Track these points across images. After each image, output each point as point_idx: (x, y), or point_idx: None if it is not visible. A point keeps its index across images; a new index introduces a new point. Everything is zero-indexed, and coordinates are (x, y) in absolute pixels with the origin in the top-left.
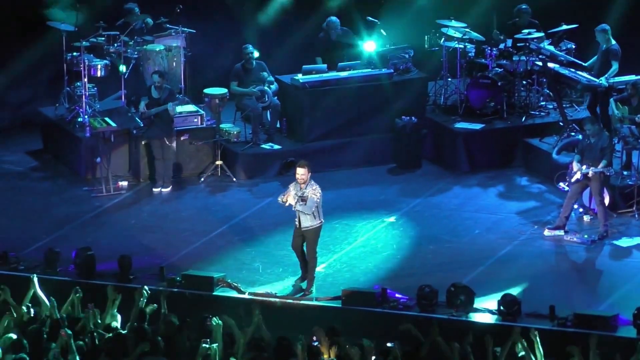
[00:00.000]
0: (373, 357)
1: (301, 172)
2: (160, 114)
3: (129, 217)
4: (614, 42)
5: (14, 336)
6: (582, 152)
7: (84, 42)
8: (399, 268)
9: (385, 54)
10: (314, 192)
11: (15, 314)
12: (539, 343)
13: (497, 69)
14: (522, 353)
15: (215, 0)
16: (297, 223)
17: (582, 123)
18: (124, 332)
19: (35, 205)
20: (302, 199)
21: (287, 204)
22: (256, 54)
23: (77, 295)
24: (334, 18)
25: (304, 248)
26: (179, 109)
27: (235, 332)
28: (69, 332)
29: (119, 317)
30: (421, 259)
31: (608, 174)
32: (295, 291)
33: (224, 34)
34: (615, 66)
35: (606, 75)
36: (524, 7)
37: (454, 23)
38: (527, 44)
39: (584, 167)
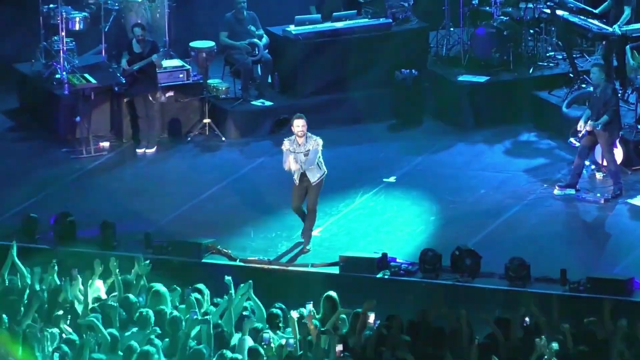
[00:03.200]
0: (376, 323)
1: (300, 124)
2: (144, 69)
3: (111, 180)
4: None
5: None
6: (592, 106)
7: None
8: (400, 231)
9: (384, 2)
10: (315, 143)
11: None
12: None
13: (502, 17)
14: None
15: None
16: (296, 181)
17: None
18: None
19: (10, 168)
20: (306, 154)
21: (293, 171)
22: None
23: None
24: None
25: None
26: (164, 63)
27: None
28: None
29: (101, 288)
30: (423, 221)
31: (593, 129)
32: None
33: None
34: (627, 11)
35: (619, 23)
36: None
37: None
38: None
39: (584, 121)
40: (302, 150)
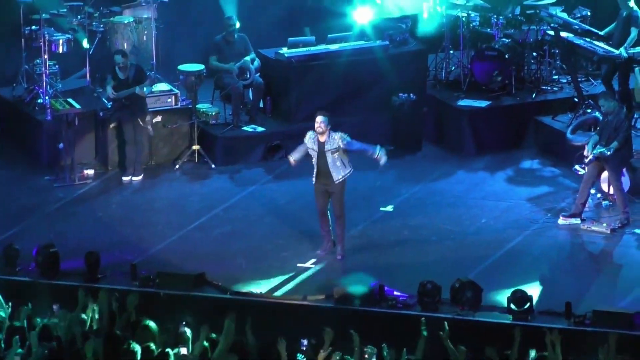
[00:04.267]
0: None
1: (319, 120)
2: (130, 95)
3: (96, 209)
4: (635, 7)
5: None
6: (601, 131)
7: (43, 15)
8: (398, 262)
9: (380, 24)
10: (342, 137)
11: None
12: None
13: (504, 39)
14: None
15: None
16: (315, 180)
17: (596, 99)
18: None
19: None
20: (333, 151)
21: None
22: (237, 25)
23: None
24: None
25: (328, 204)
26: (152, 87)
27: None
28: None
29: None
30: (422, 252)
31: (600, 155)
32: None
33: (199, 2)
34: (634, 33)
35: (625, 45)
36: None
37: None
38: (538, 12)
39: (591, 146)
40: (329, 148)
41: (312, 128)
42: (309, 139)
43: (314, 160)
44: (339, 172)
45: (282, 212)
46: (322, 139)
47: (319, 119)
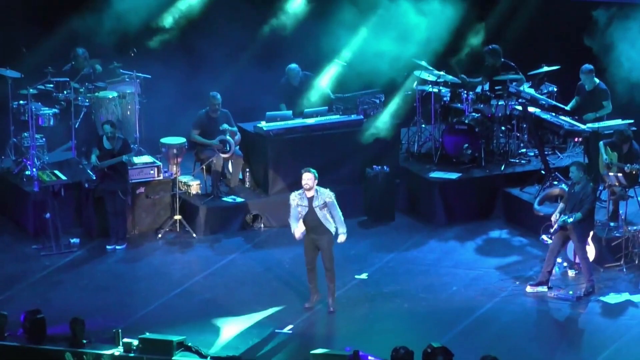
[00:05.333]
0: None
1: (307, 177)
2: (114, 166)
3: (81, 276)
4: (599, 81)
5: None
6: (567, 201)
7: (31, 90)
8: (372, 328)
9: (355, 99)
10: (328, 196)
11: None
12: None
13: (474, 114)
14: None
15: (171, 43)
16: (305, 235)
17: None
18: None
19: None
20: (321, 207)
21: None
22: (220, 102)
23: None
24: (293, 65)
25: (316, 258)
26: (135, 159)
27: None
28: None
29: None
30: (395, 318)
31: (563, 224)
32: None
33: (181, 79)
34: (608, 106)
35: (598, 114)
36: (491, 47)
37: (428, 66)
38: (506, 87)
39: (557, 216)
40: (316, 204)
41: (288, 199)
42: (295, 197)
43: (303, 217)
44: (330, 224)
45: (261, 280)
46: (310, 194)
47: (307, 175)
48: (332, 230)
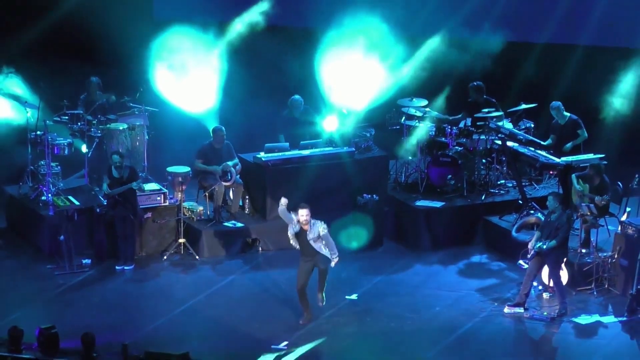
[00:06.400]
0: None
1: (304, 213)
2: (124, 193)
3: (92, 295)
4: (569, 114)
5: None
6: (543, 228)
7: (47, 121)
8: (361, 345)
9: (347, 133)
10: (322, 227)
11: None
12: None
13: (457, 147)
14: None
15: (178, 78)
16: (301, 257)
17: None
18: None
19: None
20: (315, 240)
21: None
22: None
23: None
24: (297, 97)
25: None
26: (143, 186)
27: None
28: None
29: None
30: (383, 336)
31: (539, 250)
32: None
33: (186, 112)
34: (583, 134)
35: (576, 142)
36: (476, 84)
37: (414, 102)
38: (487, 123)
39: (534, 242)
40: (310, 237)
41: (287, 226)
42: (292, 226)
43: (299, 244)
44: (325, 252)
45: (258, 299)
46: (305, 227)
47: (304, 212)
48: (327, 255)
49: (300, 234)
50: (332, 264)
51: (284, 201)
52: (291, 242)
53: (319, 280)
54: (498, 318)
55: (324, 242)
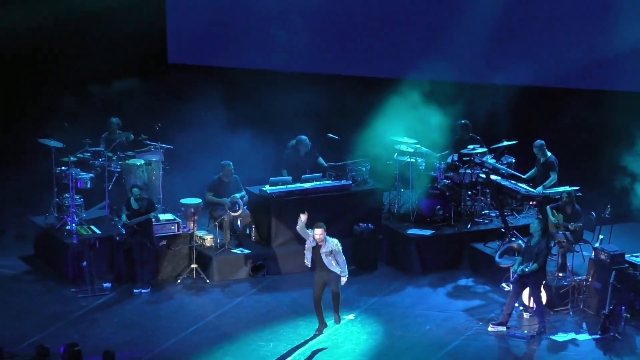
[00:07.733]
0: None
1: (319, 232)
2: (141, 223)
3: (112, 315)
4: (550, 154)
5: None
6: (523, 253)
7: (71, 158)
8: None
9: (345, 167)
10: (334, 244)
11: None
12: None
13: (445, 180)
14: None
15: (189, 118)
16: (316, 271)
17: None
18: None
19: (27, 304)
20: (328, 254)
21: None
22: (232, 170)
23: None
24: (304, 137)
25: (322, 294)
26: (159, 216)
27: None
28: None
29: None
30: (378, 352)
31: (521, 273)
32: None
33: (198, 148)
34: (553, 176)
35: (545, 184)
36: (463, 122)
37: (406, 139)
38: (472, 158)
39: (516, 267)
40: (323, 251)
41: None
42: (309, 241)
43: (313, 256)
44: (335, 268)
45: (264, 320)
46: (320, 244)
47: (319, 230)
48: (338, 272)
49: (315, 248)
50: (342, 280)
51: (303, 217)
52: (305, 252)
53: (333, 302)
54: (483, 336)
55: (335, 259)
